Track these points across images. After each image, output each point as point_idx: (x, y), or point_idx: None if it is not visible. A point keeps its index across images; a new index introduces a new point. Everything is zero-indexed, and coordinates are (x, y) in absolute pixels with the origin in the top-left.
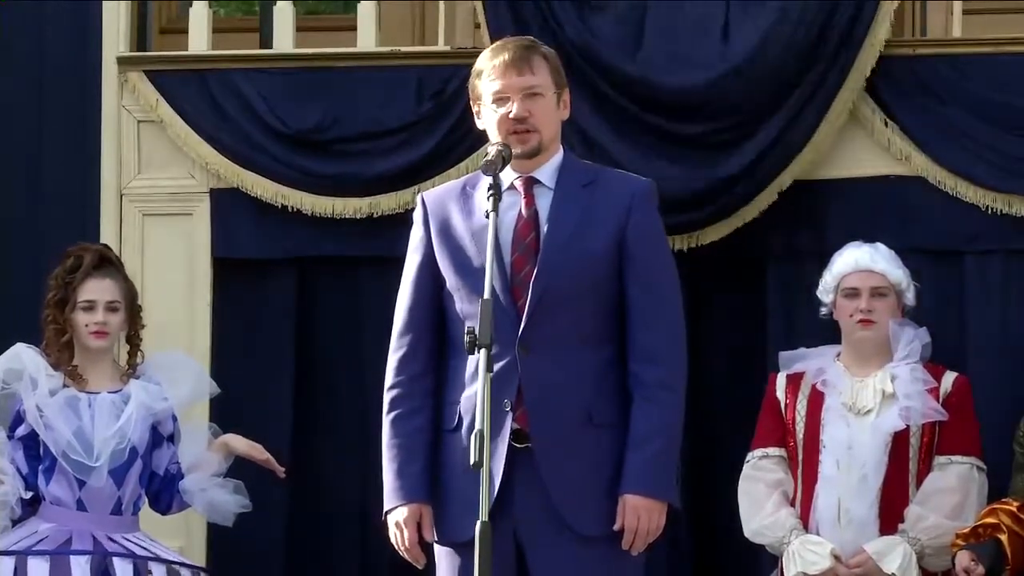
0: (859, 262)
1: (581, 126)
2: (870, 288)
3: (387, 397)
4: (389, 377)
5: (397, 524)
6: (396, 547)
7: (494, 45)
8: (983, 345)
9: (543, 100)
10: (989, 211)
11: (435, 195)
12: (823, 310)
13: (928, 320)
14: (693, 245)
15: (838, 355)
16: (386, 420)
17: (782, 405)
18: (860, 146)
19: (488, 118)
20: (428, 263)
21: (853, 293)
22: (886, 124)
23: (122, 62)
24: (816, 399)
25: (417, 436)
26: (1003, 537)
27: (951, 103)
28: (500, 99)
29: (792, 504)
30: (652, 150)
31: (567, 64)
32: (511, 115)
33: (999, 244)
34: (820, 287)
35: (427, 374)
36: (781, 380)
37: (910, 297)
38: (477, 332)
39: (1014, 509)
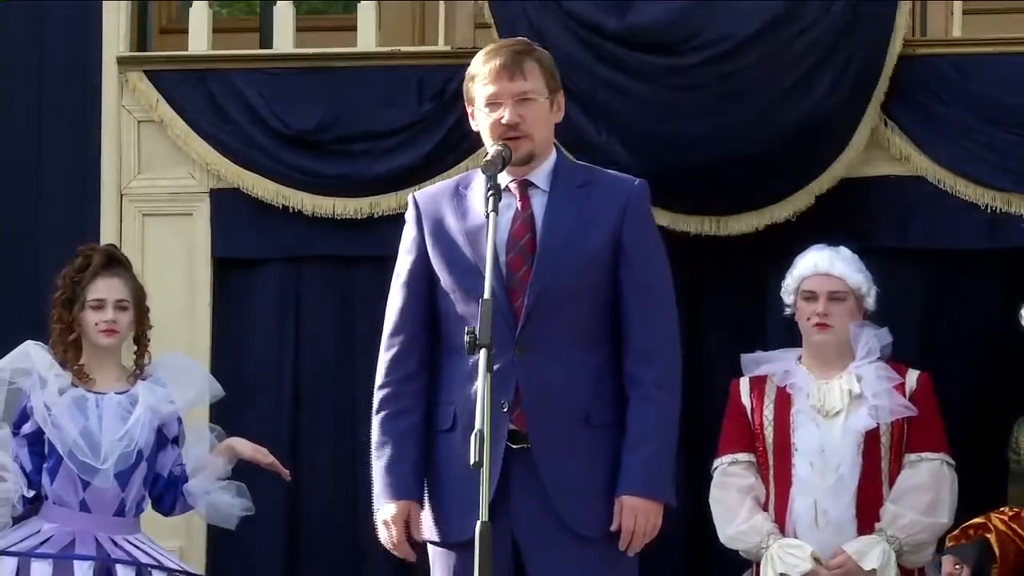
0: (818, 265)
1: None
2: (827, 292)
3: (377, 396)
4: (380, 376)
5: (385, 522)
6: (385, 545)
7: (488, 48)
8: (982, 346)
9: (535, 105)
10: (989, 210)
11: (427, 195)
12: (786, 311)
13: (926, 320)
14: (720, 233)
15: (799, 358)
16: (376, 419)
17: (748, 410)
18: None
19: (481, 122)
20: (421, 263)
21: (811, 296)
22: (886, 124)
23: (122, 62)
24: (783, 402)
25: (407, 436)
26: (991, 536)
27: (951, 103)
28: (492, 104)
29: (765, 508)
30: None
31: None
32: (503, 121)
33: (997, 243)
34: (782, 288)
35: (419, 374)
36: (744, 385)
37: (870, 301)
38: (477, 332)
39: (1006, 517)
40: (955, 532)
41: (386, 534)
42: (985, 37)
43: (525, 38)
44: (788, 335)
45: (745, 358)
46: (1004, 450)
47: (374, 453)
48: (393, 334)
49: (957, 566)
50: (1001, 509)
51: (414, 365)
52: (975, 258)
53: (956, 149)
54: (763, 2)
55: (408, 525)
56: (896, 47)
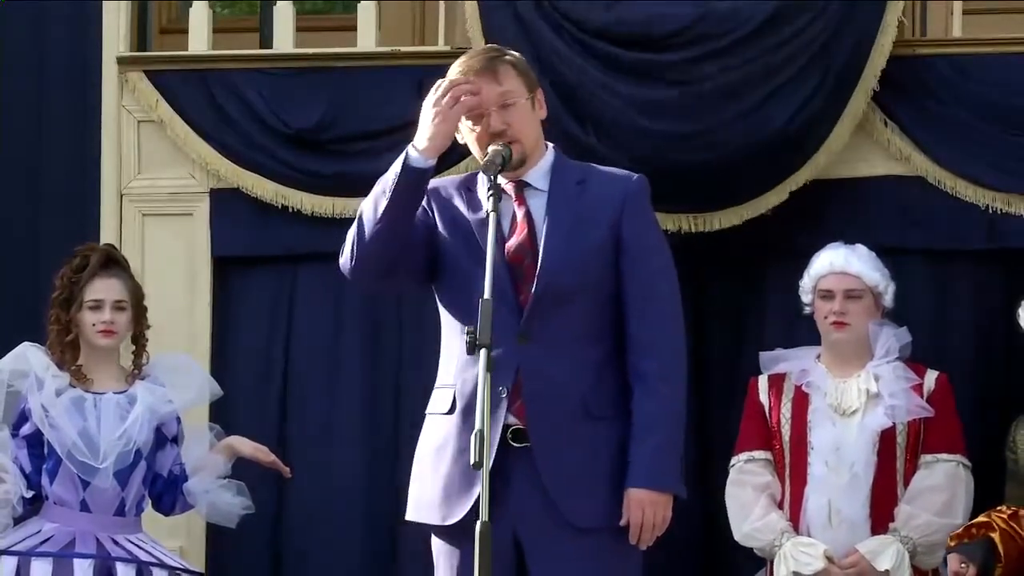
0: (833, 264)
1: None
2: (844, 290)
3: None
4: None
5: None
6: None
7: (459, 60)
8: (983, 346)
9: (517, 107)
10: (989, 211)
11: (438, 182)
12: (805, 310)
13: (927, 320)
14: (701, 229)
15: (818, 356)
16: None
17: (766, 408)
18: (860, 146)
19: (467, 135)
20: (428, 229)
21: (828, 295)
22: (886, 124)
23: (122, 62)
24: (801, 401)
25: None
26: (995, 535)
27: (951, 103)
28: (475, 115)
29: (780, 506)
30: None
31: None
32: (490, 130)
33: (999, 244)
34: (800, 288)
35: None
36: (763, 383)
37: (888, 299)
38: (477, 332)
39: (1006, 516)
40: (958, 531)
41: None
42: (985, 37)
43: (495, 45)
44: (787, 329)
45: (764, 356)
46: (1001, 449)
47: (375, 191)
48: None
49: (963, 564)
50: (999, 508)
51: None
52: (975, 258)
53: (956, 149)
54: (760, 2)
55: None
56: (884, 45)
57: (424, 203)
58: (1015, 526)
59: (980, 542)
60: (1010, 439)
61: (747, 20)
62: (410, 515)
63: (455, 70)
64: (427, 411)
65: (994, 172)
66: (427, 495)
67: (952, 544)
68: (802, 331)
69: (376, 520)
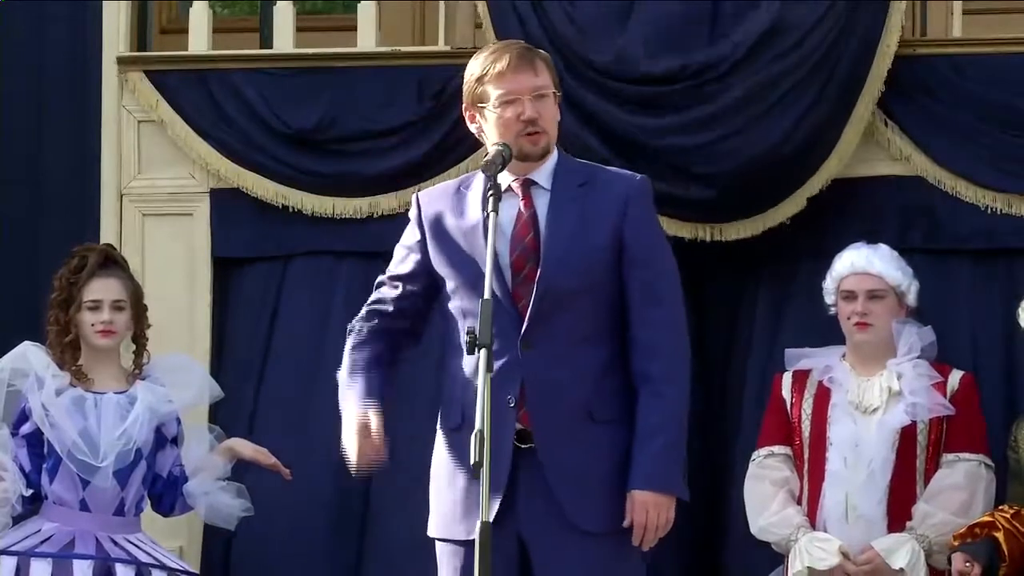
0: (855, 264)
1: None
2: (866, 291)
3: (360, 315)
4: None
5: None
6: (350, 461)
7: (490, 49)
8: (983, 345)
9: (548, 101)
10: (989, 211)
11: (430, 195)
12: (830, 311)
13: (927, 320)
14: (719, 238)
15: (843, 355)
16: (349, 341)
17: (788, 404)
18: (860, 146)
19: (492, 121)
20: (422, 261)
21: (850, 296)
22: (886, 124)
23: (122, 62)
24: (822, 397)
25: (368, 361)
26: (999, 535)
27: (951, 103)
28: (508, 101)
29: (798, 502)
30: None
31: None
32: (524, 117)
33: (999, 244)
34: (824, 288)
35: (401, 316)
36: (787, 379)
37: (911, 298)
38: (477, 332)
39: (1009, 515)
40: (962, 530)
41: (348, 450)
42: (985, 37)
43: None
44: (784, 329)
45: (789, 353)
46: (1003, 449)
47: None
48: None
49: (967, 563)
50: (1002, 508)
51: (399, 305)
52: (975, 258)
53: (956, 149)
54: (759, 10)
55: (367, 429)
56: (890, 46)
57: (415, 223)
58: (1018, 525)
59: (984, 541)
60: (1012, 439)
61: (738, 45)
62: (432, 532)
63: (486, 59)
64: (438, 427)
65: (994, 172)
66: (446, 511)
67: (956, 543)
68: (800, 332)
69: (379, 522)
